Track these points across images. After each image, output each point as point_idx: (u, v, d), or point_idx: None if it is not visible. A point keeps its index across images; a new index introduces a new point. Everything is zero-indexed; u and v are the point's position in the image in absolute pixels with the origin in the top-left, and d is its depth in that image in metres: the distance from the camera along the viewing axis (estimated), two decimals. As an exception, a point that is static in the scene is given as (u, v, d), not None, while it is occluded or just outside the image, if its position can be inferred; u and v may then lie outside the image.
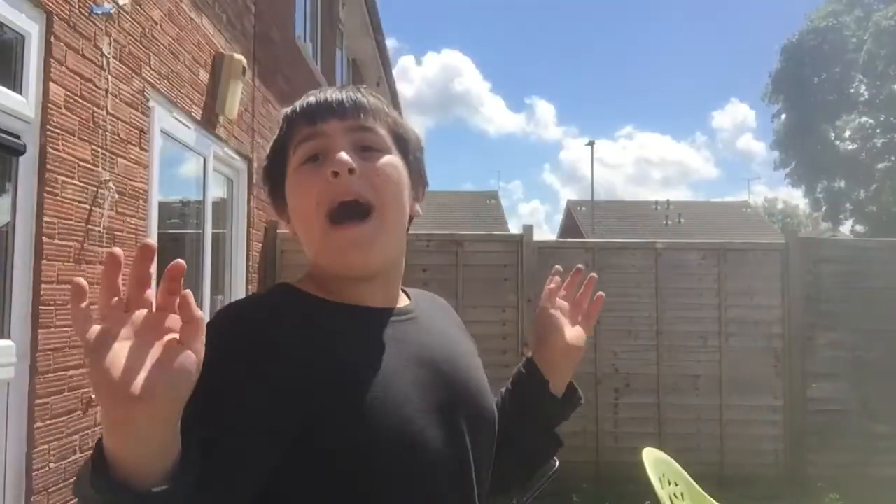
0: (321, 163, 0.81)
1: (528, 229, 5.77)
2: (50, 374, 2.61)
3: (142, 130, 3.36)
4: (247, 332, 0.75)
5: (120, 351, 0.54)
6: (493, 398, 0.94)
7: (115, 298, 0.57)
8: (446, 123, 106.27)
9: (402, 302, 0.92)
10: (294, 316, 0.79)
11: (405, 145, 0.89)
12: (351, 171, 0.79)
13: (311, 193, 0.80)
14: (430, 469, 0.77)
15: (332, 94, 0.86)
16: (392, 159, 0.85)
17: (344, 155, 0.79)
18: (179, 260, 0.58)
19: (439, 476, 0.79)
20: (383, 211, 0.81)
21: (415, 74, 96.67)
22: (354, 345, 0.79)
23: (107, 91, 2.99)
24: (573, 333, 1.04)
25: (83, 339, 0.55)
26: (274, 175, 0.89)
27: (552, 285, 1.08)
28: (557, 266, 1.12)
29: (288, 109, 0.88)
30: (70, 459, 2.77)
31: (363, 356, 0.78)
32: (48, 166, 2.58)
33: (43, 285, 2.56)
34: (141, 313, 0.57)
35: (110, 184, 3.01)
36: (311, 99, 0.86)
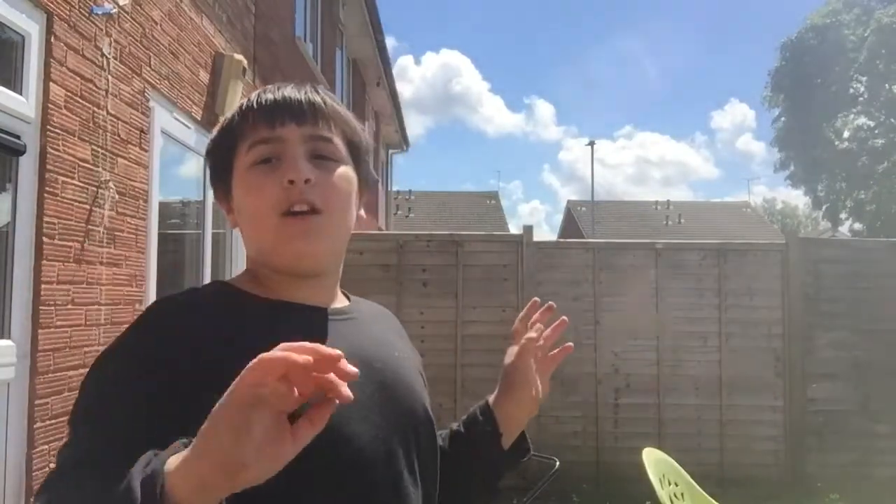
0: (275, 166, 0.82)
1: (528, 229, 5.77)
2: (50, 374, 2.60)
3: (142, 130, 3.36)
4: (159, 323, 0.79)
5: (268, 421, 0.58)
6: (426, 400, 0.93)
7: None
8: (445, 123, 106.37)
9: (341, 303, 0.93)
10: (215, 309, 0.82)
11: (357, 153, 0.91)
12: (307, 181, 0.81)
13: (264, 197, 0.82)
14: (357, 463, 0.77)
15: (291, 93, 0.86)
16: (345, 171, 0.87)
17: (302, 165, 0.81)
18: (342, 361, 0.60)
19: (368, 471, 0.78)
20: (331, 214, 0.83)
21: (414, 74, 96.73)
22: (273, 339, 0.77)
23: (107, 91, 2.99)
24: (541, 389, 1.04)
25: (271, 389, 0.57)
26: (220, 163, 0.89)
27: (533, 334, 1.05)
28: (535, 298, 1.12)
29: (243, 101, 0.88)
30: (70, 459, 2.76)
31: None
32: (48, 166, 2.58)
33: (43, 285, 2.56)
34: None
35: (110, 184, 3.01)
36: (270, 97, 0.86)
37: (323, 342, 0.78)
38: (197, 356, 0.74)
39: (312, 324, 0.84)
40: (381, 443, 0.81)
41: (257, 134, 0.84)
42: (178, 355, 0.74)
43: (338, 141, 0.87)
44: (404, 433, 0.85)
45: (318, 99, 0.87)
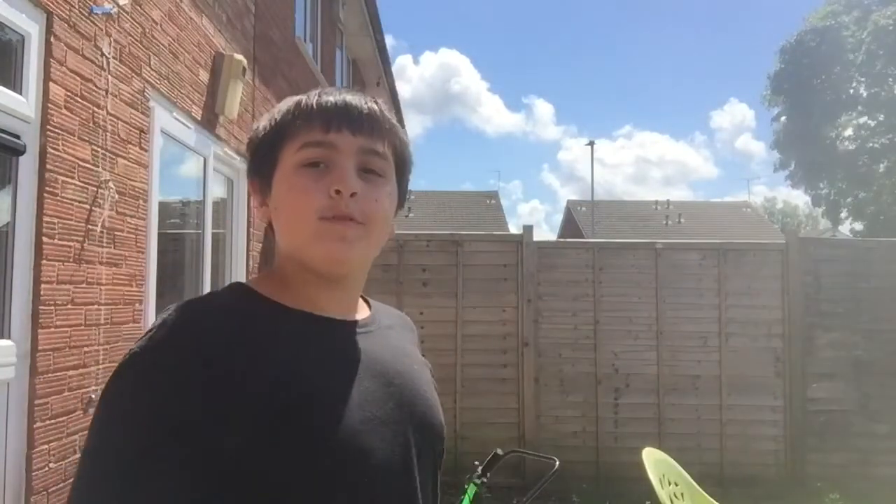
0: (323, 172, 0.82)
1: (528, 229, 5.77)
2: (50, 374, 2.60)
3: (142, 130, 3.36)
4: (188, 345, 0.76)
5: None
6: (441, 414, 0.94)
7: None
8: (444, 123, 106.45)
9: (363, 313, 0.92)
10: (240, 327, 0.79)
11: (403, 168, 0.91)
12: (353, 194, 0.81)
13: (309, 201, 0.81)
14: (373, 478, 0.78)
15: (352, 100, 0.85)
16: (390, 189, 0.87)
17: (351, 177, 0.81)
18: None
19: (383, 486, 0.79)
20: (370, 228, 0.83)
21: (412, 73, 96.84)
22: (301, 356, 0.79)
23: (107, 91, 2.99)
24: None
25: None
26: (264, 155, 0.88)
27: None
28: None
29: (302, 99, 0.86)
30: (70, 459, 2.77)
31: (307, 368, 0.78)
32: (48, 166, 2.58)
33: (43, 285, 2.56)
34: None
35: (110, 184, 3.01)
36: (331, 99, 0.84)
37: (349, 359, 0.82)
38: (224, 389, 0.72)
39: (338, 339, 0.84)
40: (399, 459, 0.81)
41: (311, 136, 0.83)
42: (202, 403, 0.72)
43: (388, 156, 0.86)
44: (421, 448, 0.85)
45: (377, 110, 0.86)
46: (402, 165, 0.90)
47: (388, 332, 0.93)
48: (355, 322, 0.88)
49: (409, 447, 0.83)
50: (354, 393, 0.79)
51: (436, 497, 0.92)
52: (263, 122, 0.89)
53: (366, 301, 0.97)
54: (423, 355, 1.03)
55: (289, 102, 0.87)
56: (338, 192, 0.80)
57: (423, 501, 0.85)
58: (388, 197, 0.86)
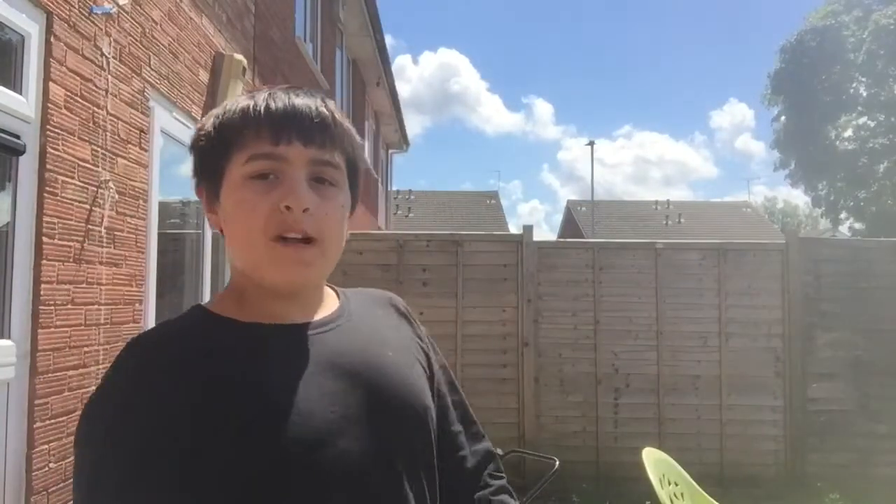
0: (272, 185, 0.78)
1: (528, 229, 5.77)
2: (50, 374, 2.60)
3: (142, 130, 3.36)
4: (138, 377, 0.76)
5: None
6: (424, 393, 0.90)
7: None
8: (444, 123, 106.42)
9: (328, 309, 0.89)
10: (191, 347, 0.79)
11: (356, 173, 0.89)
12: (305, 210, 0.78)
13: (257, 216, 0.77)
14: (348, 478, 0.76)
15: (301, 105, 0.80)
16: (342, 198, 0.84)
17: (302, 192, 0.78)
18: None
19: (361, 485, 0.77)
20: (325, 245, 0.81)
21: (411, 73, 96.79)
22: (256, 367, 0.77)
23: (107, 91, 2.99)
24: None
25: None
26: (209, 162, 0.83)
27: None
28: None
29: (249, 104, 0.80)
30: (70, 459, 2.76)
31: (264, 378, 0.76)
32: (48, 166, 2.58)
33: (43, 285, 2.56)
34: None
35: (110, 184, 3.01)
36: (280, 106, 0.80)
37: (308, 361, 0.80)
38: (181, 418, 0.72)
39: (294, 344, 0.81)
40: (377, 453, 0.79)
41: (259, 147, 0.78)
42: (164, 435, 0.72)
43: (340, 164, 0.84)
44: (400, 437, 0.83)
45: (328, 116, 0.82)
46: (354, 170, 0.88)
47: (357, 323, 0.89)
48: (317, 322, 0.85)
49: (388, 440, 0.81)
50: (316, 395, 0.77)
51: (434, 480, 0.88)
52: (208, 124, 0.84)
53: (336, 292, 0.95)
54: (410, 322, 0.99)
55: (236, 105, 0.82)
56: (288, 207, 0.77)
57: (414, 490, 0.83)
58: (341, 208, 0.84)
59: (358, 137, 0.89)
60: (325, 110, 0.82)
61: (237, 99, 0.83)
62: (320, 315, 0.87)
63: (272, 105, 0.80)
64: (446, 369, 1.02)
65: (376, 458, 0.79)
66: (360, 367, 0.83)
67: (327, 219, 0.81)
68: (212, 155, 0.82)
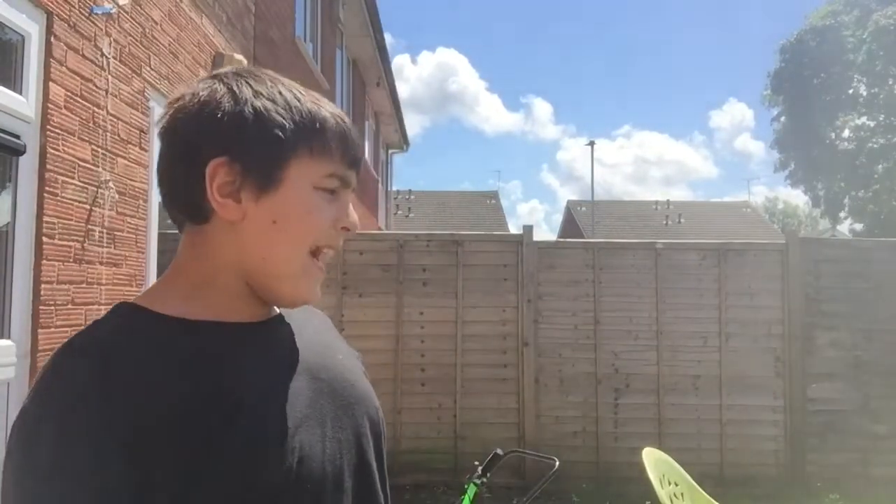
0: (332, 201, 0.79)
1: (528, 229, 5.77)
2: (50, 375, 2.60)
3: (142, 130, 3.36)
4: (79, 388, 0.67)
5: None
6: (376, 400, 0.87)
7: None
8: (442, 122, 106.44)
9: (272, 312, 0.85)
10: (132, 353, 0.70)
11: None
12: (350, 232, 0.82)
13: (318, 227, 0.78)
14: (320, 482, 0.73)
15: (352, 128, 0.83)
16: None
17: (356, 219, 0.82)
18: None
19: (335, 488, 0.75)
20: None
21: (410, 73, 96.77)
22: (215, 368, 0.72)
23: (107, 91, 2.99)
24: None
25: None
26: (275, 152, 0.75)
27: None
28: None
29: (332, 120, 0.78)
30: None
31: (227, 379, 0.72)
32: (48, 166, 2.58)
33: (43, 285, 2.56)
34: None
35: (110, 184, 3.01)
36: (348, 125, 0.81)
37: (271, 360, 0.76)
38: (131, 427, 0.65)
39: (252, 342, 0.77)
40: (346, 455, 0.77)
41: (340, 167, 0.79)
42: (111, 448, 0.64)
43: None
44: (369, 438, 0.82)
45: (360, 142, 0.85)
46: None
47: (300, 326, 0.85)
48: (272, 321, 0.81)
49: (355, 441, 0.79)
50: (282, 396, 0.73)
51: (385, 485, 0.86)
52: (277, 106, 0.75)
53: None
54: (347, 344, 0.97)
55: (313, 106, 0.78)
56: (346, 230, 0.80)
57: (384, 493, 0.82)
58: None
59: None
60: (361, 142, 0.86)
61: (305, 95, 0.79)
62: (272, 314, 0.84)
63: (351, 130, 0.81)
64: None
65: (348, 459, 0.77)
66: (318, 370, 0.80)
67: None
68: (279, 142, 0.74)
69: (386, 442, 0.88)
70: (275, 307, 0.84)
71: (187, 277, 0.77)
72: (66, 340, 0.72)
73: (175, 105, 0.77)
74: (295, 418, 0.73)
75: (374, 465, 0.82)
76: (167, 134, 0.78)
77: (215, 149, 0.73)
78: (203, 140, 0.74)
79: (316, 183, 0.77)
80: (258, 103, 0.75)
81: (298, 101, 0.77)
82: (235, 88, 0.75)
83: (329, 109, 0.79)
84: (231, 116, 0.73)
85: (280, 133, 0.74)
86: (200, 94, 0.75)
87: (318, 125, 0.77)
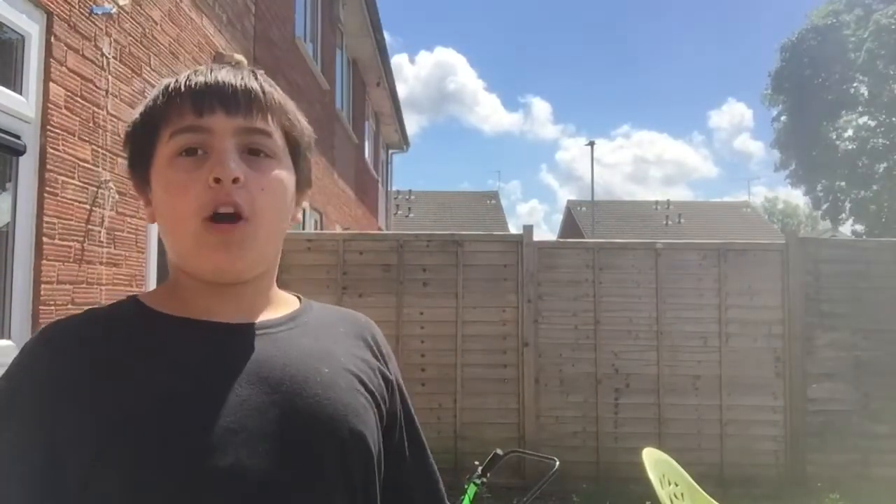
0: (201, 160, 0.73)
1: (529, 229, 5.77)
2: (50, 375, 2.61)
3: (142, 130, 3.36)
4: (38, 363, 0.73)
5: None
6: (357, 418, 0.79)
7: None
8: (441, 122, 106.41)
9: (277, 313, 0.83)
10: (103, 336, 0.75)
11: (297, 148, 0.82)
12: (235, 180, 0.72)
13: (186, 195, 0.72)
14: (243, 494, 0.69)
15: (224, 77, 0.76)
16: (280, 172, 0.78)
17: (231, 162, 0.72)
18: None
19: (249, 500, 0.70)
20: (259, 223, 0.74)
21: (408, 73, 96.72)
22: (160, 363, 0.73)
23: (107, 91, 2.99)
24: None
25: None
26: (138, 148, 0.78)
27: None
28: None
29: (171, 82, 0.77)
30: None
31: (165, 376, 0.71)
32: (48, 166, 2.58)
33: (43, 285, 2.56)
34: None
35: (110, 184, 3.01)
36: (200, 79, 0.75)
37: (225, 364, 0.74)
38: (74, 409, 0.69)
39: (215, 343, 0.75)
40: (274, 472, 0.71)
41: (182, 121, 0.74)
42: (53, 425, 0.69)
43: (276, 135, 0.78)
44: (311, 457, 0.74)
45: (255, 86, 0.77)
46: (295, 145, 0.81)
47: (301, 335, 0.81)
48: (251, 325, 0.78)
49: (298, 458, 0.73)
50: (222, 401, 0.71)
51: None
52: (136, 110, 0.79)
53: (300, 300, 0.88)
54: (378, 357, 0.89)
55: (158, 86, 0.78)
56: (217, 180, 0.71)
57: None
58: (280, 181, 0.77)
59: (297, 112, 0.83)
60: (252, 81, 0.77)
61: (161, 81, 0.79)
62: (263, 318, 0.80)
63: (193, 79, 0.76)
64: (407, 404, 0.92)
65: (277, 476, 0.71)
66: (281, 381, 0.75)
67: (263, 194, 0.74)
68: (139, 140, 0.78)
69: (375, 461, 0.80)
70: (286, 308, 0.84)
71: (171, 279, 0.81)
72: (52, 322, 0.80)
73: None
74: (227, 426, 0.70)
75: (338, 484, 0.75)
76: None
77: (129, 168, 0.81)
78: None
79: (169, 153, 0.74)
80: (133, 115, 0.80)
81: (158, 86, 0.78)
82: (135, 112, 0.81)
83: (183, 74, 0.77)
84: (125, 136, 0.81)
85: (137, 129, 0.78)
86: None
87: (160, 98, 0.76)
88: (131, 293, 2.85)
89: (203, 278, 0.76)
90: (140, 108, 0.79)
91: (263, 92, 0.77)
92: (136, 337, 0.75)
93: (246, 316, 0.79)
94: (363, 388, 0.82)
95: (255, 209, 0.73)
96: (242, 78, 0.77)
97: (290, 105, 0.82)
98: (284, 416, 0.73)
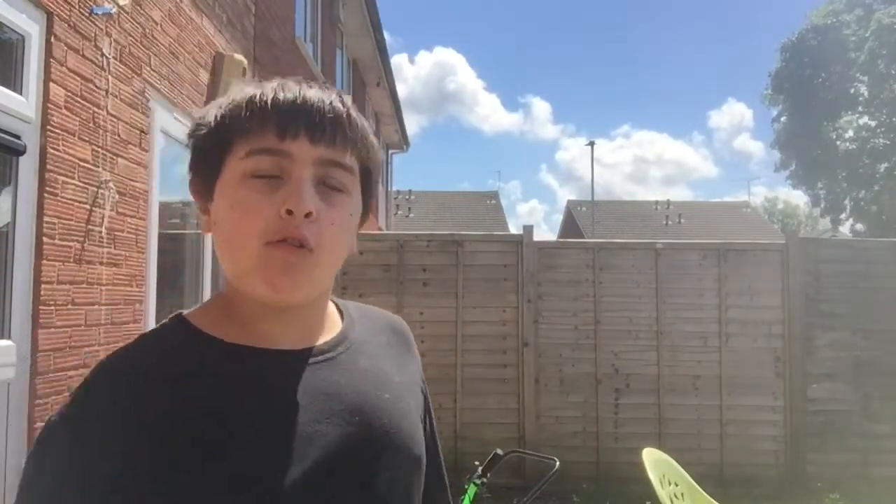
0: (275, 186, 0.70)
1: (529, 229, 5.77)
2: (50, 375, 2.61)
3: (142, 130, 3.36)
4: (101, 398, 0.68)
5: None
6: (418, 443, 0.81)
7: None
8: (440, 122, 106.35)
9: (328, 333, 0.81)
10: (173, 373, 0.70)
11: (370, 178, 0.80)
12: (307, 215, 0.69)
13: (256, 219, 0.69)
14: None
15: (313, 99, 0.72)
16: (351, 206, 0.76)
17: (308, 196, 0.69)
18: None
19: None
20: (322, 254, 0.72)
21: (408, 72, 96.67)
22: (227, 400, 0.69)
23: (107, 91, 2.99)
24: None
25: None
26: (207, 155, 0.74)
27: None
28: None
29: (257, 94, 0.72)
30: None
31: (234, 415, 0.68)
32: (48, 166, 2.58)
33: (43, 285, 2.56)
34: None
35: (110, 184, 3.01)
36: (289, 97, 0.71)
37: (293, 399, 0.71)
38: (144, 448, 0.65)
39: (282, 378, 0.73)
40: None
41: (262, 141, 0.70)
42: (123, 465, 0.64)
43: (353, 167, 0.75)
44: (397, 489, 0.76)
45: (343, 112, 0.73)
46: (368, 175, 0.79)
47: (357, 355, 0.81)
48: (310, 350, 0.76)
49: (383, 491, 0.74)
50: (309, 440, 0.70)
51: None
52: (210, 113, 0.75)
53: (339, 309, 0.86)
54: (418, 367, 0.91)
55: (241, 94, 0.73)
56: (289, 212, 0.68)
57: None
58: (350, 216, 0.76)
59: (375, 141, 0.79)
60: (339, 105, 0.73)
61: (244, 87, 0.74)
62: (320, 340, 0.79)
63: (280, 95, 0.71)
64: (431, 415, 0.93)
65: None
66: (352, 409, 0.74)
67: (332, 228, 0.72)
68: (210, 147, 0.73)
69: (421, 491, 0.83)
70: (335, 325, 0.82)
71: (224, 298, 0.78)
72: (109, 354, 0.73)
73: None
74: (308, 466, 0.69)
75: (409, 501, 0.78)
76: None
77: (190, 171, 0.77)
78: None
79: (243, 170, 0.71)
80: (207, 115, 0.76)
81: (241, 93, 0.74)
82: (208, 106, 0.77)
83: (264, 87, 0.73)
84: (190, 136, 0.77)
85: (210, 135, 0.74)
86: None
87: (242, 109, 0.72)
88: (130, 294, 2.82)
89: (259, 300, 0.73)
90: (214, 111, 0.74)
91: (349, 120, 0.74)
92: (212, 369, 0.71)
93: (306, 339, 0.77)
94: (415, 410, 0.83)
95: (321, 242, 0.71)
96: (331, 102, 0.73)
97: (369, 130, 0.78)
98: (363, 449, 0.73)
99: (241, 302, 0.75)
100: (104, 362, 0.72)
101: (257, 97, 0.72)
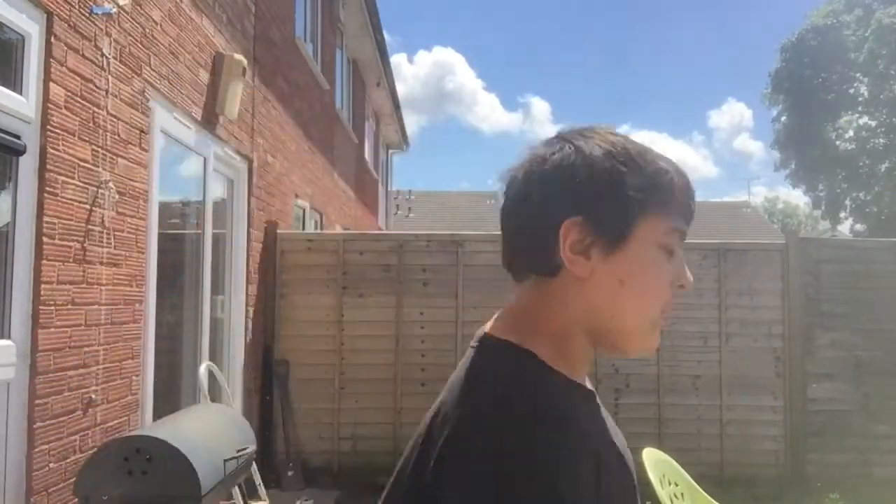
0: (671, 259, 0.80)
1: (528, 229, 5.77)
2: (50, 374, 2.61)
3: (142, 130, 3.36)
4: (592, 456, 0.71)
5: None
6: None
7: None
8: (439, 122, 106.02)
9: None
10: (585, 407, 0.80)
11: None
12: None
13: (664, 286, 0.79)
14: None
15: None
16: None
17: (691, 277, 0.82)
18: None
19: None
20: None
21: (407, 72, 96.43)
22: (614, 435, 0.81)
23: (107, 91, 2.99)
24: None
25: None
26: (624, 210, 0.77)
27: None
28: None
29: (677, 177, 0.81)
30: (70, 459, 2.77)
31: (623, 449, 0.80)
32: (48, 166, 2.58)
33: (43, 285, 2.56)
34: None
35: (110, 184, 3.01)
36: (693, 189, 0.83)
37: (617, 433, 0.83)
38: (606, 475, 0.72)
39: (608, 419, 0.84)
40: None
41: (684, 224, 0.81)
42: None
43: None
44: None
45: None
46: None
47: None
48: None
49: None
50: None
51: None
52: (628, 168, 0.78)
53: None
54: None
55: (667, 165, 0.81)
56: (681, 286, 0.81)
57: None
58: None
59: None
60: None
61: (659, 157, 0.82)
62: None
63: (688, 179, 0.82)
64: None
65: None
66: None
67: None
68: (631, 203, 0.76)
69: None
70: None
71: (547, 329, 0.81)
72: (505, 400, 0.73)
73: (525, 168, 0.81)
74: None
75: None
76: (521, 197, 0.81)
77: (570, 210, 0.76)
78: (560, 203, 0.77)
79: (659, 240, 0.78)
80: (609, 165, 0.77)
81: (645, 159, 0.80)
82: (586, 149, 0.78)
83: (672, 164, 0.82)
84: (586, 181, 0.76)
85: (632, 194, 0.77)
86: (552, 157, 0.79)
87: (665, 183, 0.79)
88: (130, 293, 2.82)
89: (625, 353, 0.81)
90: (654, 170, 0.79)
91: None
92: (591, 405, 0.82)
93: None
94: None
95: None
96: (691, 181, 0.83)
97: None
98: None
99: (580, 343, 0.80)
100: (548, 419, 0.72)
101: (683, 182, 0.81)
